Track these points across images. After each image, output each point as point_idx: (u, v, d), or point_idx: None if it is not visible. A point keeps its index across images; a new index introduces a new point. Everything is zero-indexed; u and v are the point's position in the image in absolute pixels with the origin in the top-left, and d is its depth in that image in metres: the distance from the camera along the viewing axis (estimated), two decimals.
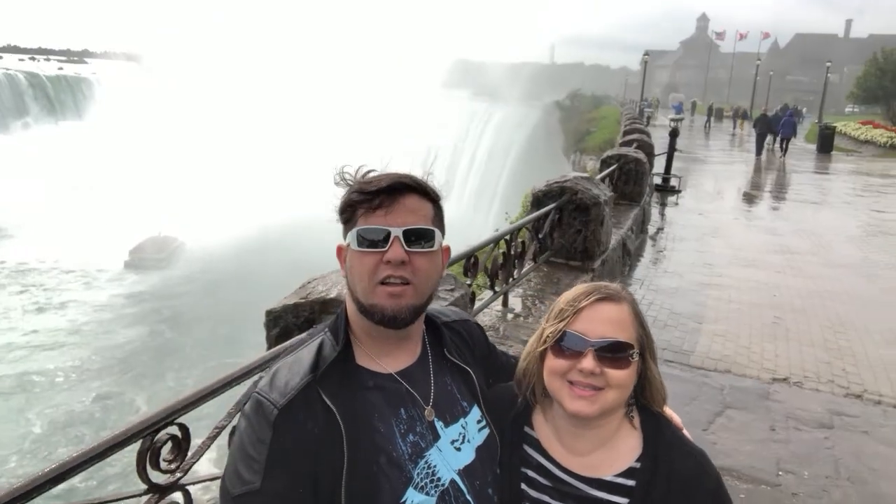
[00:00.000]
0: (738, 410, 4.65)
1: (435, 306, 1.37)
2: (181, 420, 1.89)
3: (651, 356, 1.28)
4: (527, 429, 1.36)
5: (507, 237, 4.56)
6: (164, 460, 1.86)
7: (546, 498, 1.28)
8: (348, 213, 1.24)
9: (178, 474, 1.90)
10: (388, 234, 1.17)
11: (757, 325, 6.38)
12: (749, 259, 9.09)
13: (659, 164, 14.36)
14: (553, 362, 1.26)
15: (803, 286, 7.85)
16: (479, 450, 1.27)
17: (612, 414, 1.27)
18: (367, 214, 1.20)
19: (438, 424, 1.24)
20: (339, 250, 1.28)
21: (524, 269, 5.08)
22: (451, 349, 1.33)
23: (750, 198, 15.52)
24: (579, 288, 1.30)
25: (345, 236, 1.25)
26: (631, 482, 1.25)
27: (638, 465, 1.26)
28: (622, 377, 1.23)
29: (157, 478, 1.83)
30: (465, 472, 1.23)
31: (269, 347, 2.68)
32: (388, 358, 1.25)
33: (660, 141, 16.36)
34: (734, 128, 42.04)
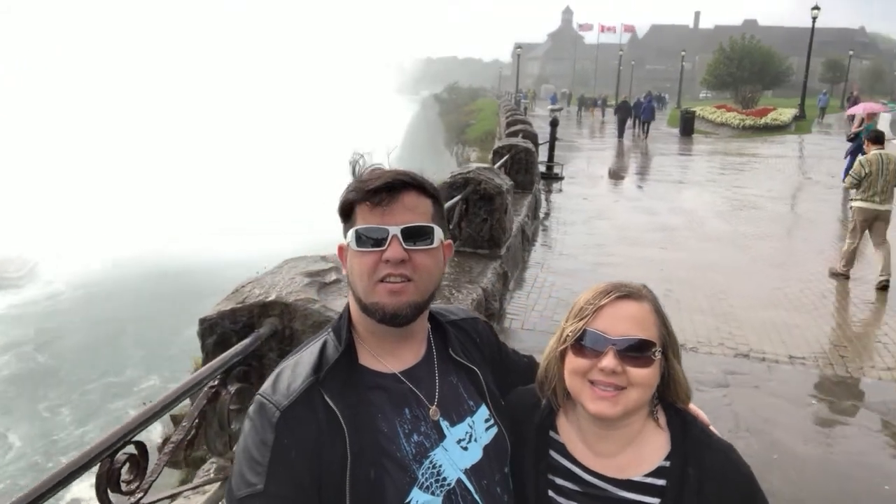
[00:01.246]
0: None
1: (443, 305, 1.37)
2: (138, 438, 1.80)
3: (674, 353, 1.26)
4: (552, 433, 1.33)
5: None
6: (123, 481, 1.76)
7: None
8: (347, 211, 1.23)
9: (139, 494, 1.80)
10: (387, 233, 1.16)
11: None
12: (634, 238, 9.70)
13: (542, 153, 14.95)
14: (574, 362, 1.23)
15: (685, 259, 8.50)
16: (486, 449, 1.26)
17: (636, 414, 1.24)
18: (365, 213, 1.19)
19: (444, 424, 1.23)
20: (340, 249, 1.28)
21: None
22: (456, 348, 1.32)
23: (627, 181, 16.52)
24: (599, 286, 1.27)
25: (345, 235, 1.24)
26: (661, 481, 1.22)
27: (667, 463, 1.23)
28: (644, 376, 1.20)
29: (120, 501, 1.74)
30: (473, 472, 1.22)
31: (206, 356, 2.58)
32: (391, 357, 1.25)
33: (540, 131, 17.04)
34: (585, 114, 44.62)
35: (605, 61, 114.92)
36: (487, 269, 5.74)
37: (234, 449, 1.22)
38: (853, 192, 7.91)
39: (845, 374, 5.25)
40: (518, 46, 61.38)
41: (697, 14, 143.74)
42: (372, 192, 1.18)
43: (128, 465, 1.77)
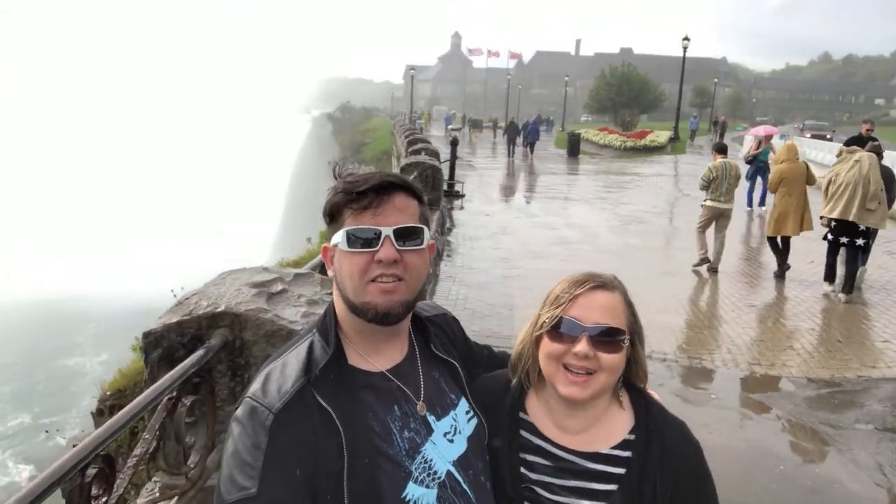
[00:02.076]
0: None
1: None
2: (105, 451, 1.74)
3: (639, 340, 1.36)
4: (522, 414, 1.40)
5: None
6: (93, 497, 1.70)
7: (546, 478, 1.33)
8: (335, 213, 1.24)
9: None
10: (379, 233, 1.18)
11: None
12: (537, 251, 10.11)
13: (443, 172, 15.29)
14: (549, 346, 1.31)
15: (584, 270, 8.95)
16: (469, 440, 1.31)
17: (603, 395, 1.34)
18: (355, 214, 1.20)
19: (431, 418, 1.26)
20: (325, 250, 1.28)
21: None
22: (436, 343, 1.36)
23: (525, 198, 17.16)
24: (574, 276, 1.35)
25: (330, 237, 1.25)
26: (626, 453, 1.32)
27: (632, 437, 1.33)
28: (614, 361, 1.29)
29: None
30: (459, 463, 1.26)
31: (151, 371, 2.51)
32: (378, 356, 1.26)
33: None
34: (477, 135, 46.07)
35: (493, 85, 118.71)
36: None
37: (221, 454, 1.21)
38: (704, 193, 9.17)
39: (737, 370, 5.75)
40: (411, 68, 62.30)
41: (578, 42, 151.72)
42: (362, 194, 1.20)
43: (97, 479, 1.71)
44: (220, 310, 2.52)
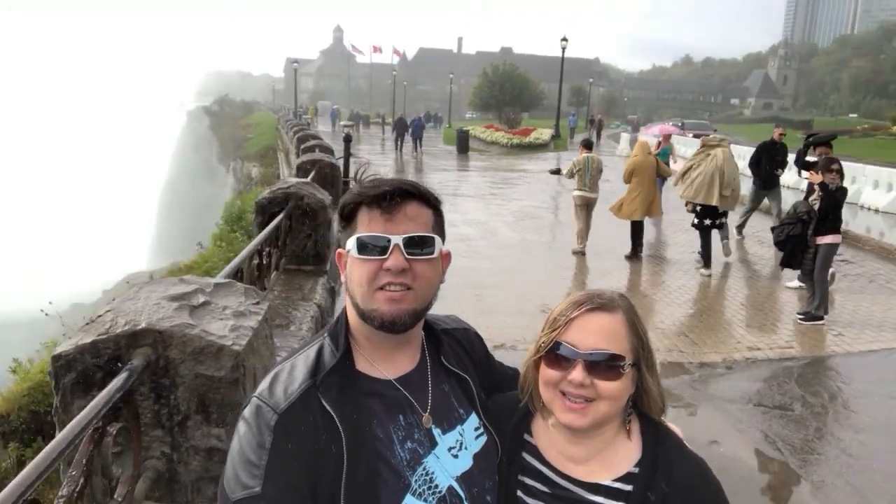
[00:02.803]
0: None
1: (434, 314, 1.35)
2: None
3: (647, 366, 1.26)
4: (526, 436, 1.35)
5: (259, 248, 4.44)
6: None
7: None
8: (349, 218, 1.23)
9: None
10: (389, 241, 1.17)
11: (467, 304, 7.23)
12: None
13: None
14: (546, 372, 1.25)
15: (488, 266, 9.11)
16: (476, 457, 1.28)
17: (608, 423, 1.26)
18: (367, 221, 1.20)
19: (436, 431, 1.24)
20: (339, 256, 1.27)
21: (271, 279, 4.98)
22: (448, 356, 1.33)
23: None
24: (574, 296, 1.27)
25: (344, 243, 1.24)
26: (629, 487, 1.24)
27: (636, 470, 1.25)
28: (613, 389, 1.21)
29: None
30: (463, 479, 1.24)
31: (63, 398, 2.26)
32: (387, 363, 1.25)
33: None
34: (364, 130, 46.07)
35: (378, 80, 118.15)
36: (317, 285, 5.64)
37: (228, 452, 1.17)
38: (573, 183, 10.23)
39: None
40: (294, 62, 60.65)
41: (460, 40, 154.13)
42: (375, 201, 1.19)
43: None
44: (140, 327, 2.30)
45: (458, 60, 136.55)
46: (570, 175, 10.16)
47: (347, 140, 15.59)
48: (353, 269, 1.21)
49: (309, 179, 8.65)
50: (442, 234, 1.27)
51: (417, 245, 1.19)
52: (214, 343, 2.33)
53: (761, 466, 4.33)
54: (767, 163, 11.09)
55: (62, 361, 2.25)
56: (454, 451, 1.25)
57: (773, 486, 4.15)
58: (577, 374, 1.19)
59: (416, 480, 1.18)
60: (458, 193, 17.59)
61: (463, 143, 30.97)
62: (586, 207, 10.06)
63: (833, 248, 6.92)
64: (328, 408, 1.14)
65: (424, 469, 1.19)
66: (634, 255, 9.91)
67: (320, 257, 6.08)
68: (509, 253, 10.11)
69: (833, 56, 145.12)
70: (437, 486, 1.19)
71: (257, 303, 2.86)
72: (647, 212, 9.80)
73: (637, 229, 9.96)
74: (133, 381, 2.19)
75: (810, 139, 9.83)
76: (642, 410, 1.30)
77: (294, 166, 12.19)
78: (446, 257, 1.29)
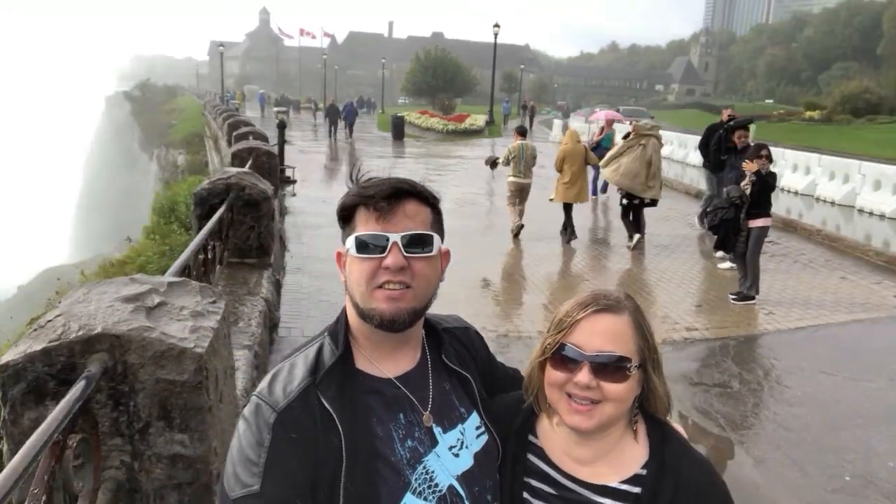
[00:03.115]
0: None
1: (435, 312, 1.35)
2: None
3: (654, 367, 1.26)
4: (531, 437, 1.34)
5: (205, 242, 4.28)
6: None
7: None
8: (347, 218, 1.24)
9: None
10: (387, 240, 1.18)
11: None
12: None
13: None
14: (551, 374, 1.24)
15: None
16: (477, 456, 1.27)
17: (614, 425, 1.26)
18: (365, 220, 1.20)
19: (437, 430, 1.24)
20: (339, 255, 1.28)
21: (216, 274, 4.82)
22: (449, 355, 1.33)
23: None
24: (580, 297, 1.27)
25: (343, 242, 1.25)
26: (636, 489, 1.23)
27: (644, 472, 1.24)
28: (619, 391, 1.20)
29: None
30: (464, 478, 1.24)
31: (13, 410, 2.13)
32: (387, 362, 1.25)
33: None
34: (294, 116, 45.26)
35: (308, 65, 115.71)
36: (262, 279, 5.50)
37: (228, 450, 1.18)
38: (508, 170, 10.65)
39: None
40: (220, 45, 58.62)
41: (391, 24, 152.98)
42: (373, 200, 1.20)
43: None
44: (96, 332, 2.18)
45: (389, 45, 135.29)
46: (507, 162, 10.51)
47: (282, 126, 15.26)
48: (353, 268, 1.22)
49: (247, 168, 8.41)
50: (441, 233, 1.28)
51: (416, 243, 1.19)
52: (176, 346, 2.24)
53: (706, 443, 4.52)
54: (716, 145, 10.70)
55: (10, 371, 2.11)
56: (455, 450, 1.25)
57: (719, 463, 4.34)
58: (583, 376, 1.19)
59: (416, 479, 1.18)
60: None
61: (398, 130, 30.81)
62: (520, 193, 10.42)
63: (765, 230, 7.26)
64: (327, 406, 1.15)
65: (425, 468, 1.19)
66: (569, 233, 10.42)
67: (264, 249, 5.92)
68: (455, 242, 9.97)
69: (750, 44, 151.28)
70: (437, 485, 1.19)
71: (214, 301, 2.75)
72: (576, 197, 10.30)
73: (568, 212, 10.41)
74: (90, 389, 2.08)
75: (729, 123, 10.23)
76: (648, 411, 1.30)
77: (225, 154, 11.80)
78: (445, 255, 1.30)
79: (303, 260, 8.45)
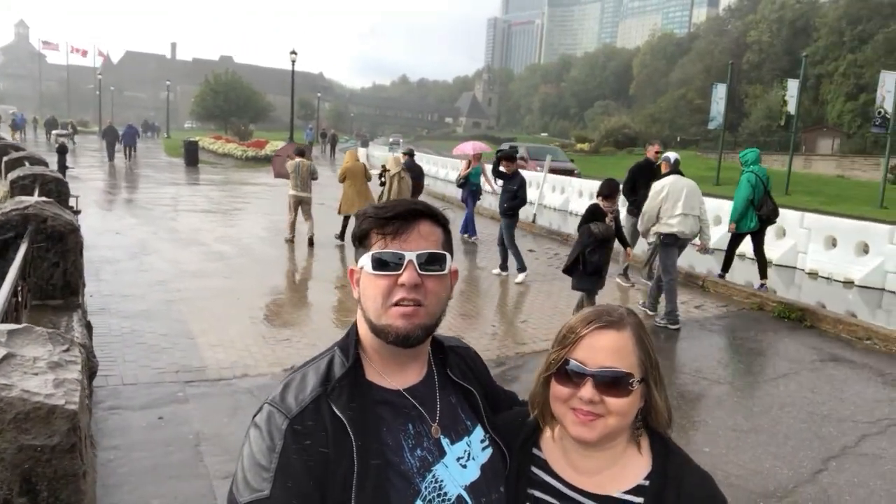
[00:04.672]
0: None
1: (436, 334, 1.36)
2: None
3: (655, 381, 1.30)
4: (534, 450, 1.37)
5: (17, 284, 3.66)
6: None
7: None
8: (363, 238, 1.28)
9: None
10: (403, 258, 1.22)
11: (241, 327, 6.79)
12: (195, 270, 9.35)
13: None
14: (556, 389, 1.28)
15: (255, 286, 8.65)
16: (483, 468, 1.31)
17: (618, 437, 1.29)
18: (382, 239, 1.25)
19: (444, 441, 1.27)
20: (352, 273, 1.32)
21: (24, 319, 4.13)
22: (454, 369, 1.38)
23: (157, 212, 15.59)
24: (583, 313, 1.30)
25: (357, 260, 1.29)
26: (639, 499, 1.26)
27: (647, 482, 1.28)
28: (622, 405, 1.24)
29: None
30: (472, 489, 1.27)
31: None
32: (396, 375, 1.29)
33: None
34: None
35: (77, 84, 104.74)
36: (73, 322, 4.82)
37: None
38: (289, 184, 12.16)
39: None
40: None
41: (174, 45, 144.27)
42: (389, 220, 1.25)
43: None
44: None
45: (172, 67, 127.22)
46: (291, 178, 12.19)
47: (62, 151, 13.62)
48: (368, 285, 1.25)
49: (38, 197, 7.38)
50: (451, 252, 1.33)
51: (430, 262, 1.25)
52: (43, 404, 1.89)
53: None
54: (644, 188, 8.96)
55: None
56: (462, 461, 1.28)
57: None
58: (587, 391, 1.22)
59: (425, 487, 1.21)
60: (199, 209, 16.42)
61: (192, 155, 29.04)
62: (299, 204, 11.99)
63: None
64: (338, 413, 1.18)
65: (434, 477, 1.23)
66: (342, 240, 11.88)
67: (72, 288, 5.20)
68: (272, 269, 9.77)
69: (525, 82, 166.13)
70: (446, 494, 1.23)
71: (67, 349, 2.39)
72: (361, 207, 11.08)
73: (346, 223, 11.91)
74: None
75: (499, 153, 10.99)
76: (650, 424, 1.34)
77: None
78: (454, 274, 1.34)
79: (105, 299, 7.55)
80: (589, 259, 6.86)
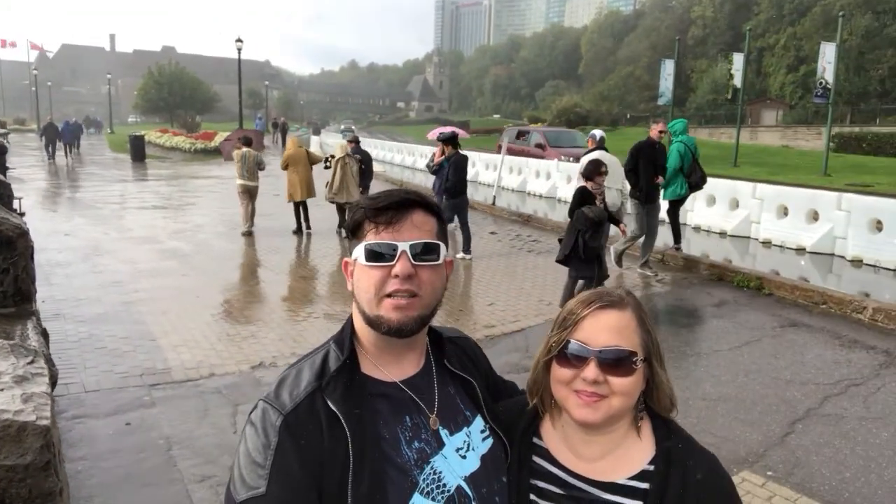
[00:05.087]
0: (246, 405, 4.90)
1: (434, 325, 1.33)
2: None
3: (658, 361, 1.28)
4: (535, 439, 1.34)
5: None
6: None
7: None
8: (357, 229, 1.26)
9: None
10: (396, 248, 1.20)
11: (204, 325, 6.64)
12: (151, 269, 9.08)
13: None
14: (558, 371, 1.25)
15: (212, 282, 8.46)
16: (484, 458, 1.29)
17: (621, 419, 1.27)
18: (375, 230, 1.23)
19: (443, 432, 1.26)
20: (346, 264, 1.29)
21: None
22: (452, 360, 1.35)
23: (106, 210, 15.07)
24: (582, 295, 1.29)
25: (351, 252, 1.27)
26: (644, 485, 1.23)
27: (651, 467, 1.25)
28: (626, 385, 1.22)
29: None
30: (472, 480, 1.25)
31: None
32: (392, 367, 1.27)
33: None
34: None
35: (11, 80, 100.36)
36: (28, 330, 4.62)
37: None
38: (235, 174, 12.40)
39: None
40: None
41: (113, 37, 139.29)
42: (382, 210, 1.23)
43: None
44: None
45: (111, 59, 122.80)
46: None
47: (2, 151, 13.01)
48: (361, 276, 1.23)
49: None
50: (446, 242, 1.30)
51: (424, 252, 1.23)
52: (13, 421, 1.80)
53: None
54: (646, 169, 8.77)
55: None
56: (462, 452, 1.27)
57: None
58: (591, 371, 1.20)
59: (423, 479, 1.19)
60: (150, 206, 15.95)
61: (138, 150, 28.20)
62: (247, 194, 12.10)
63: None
64: (333, 408, 1.16)
65: (432, 468, 1.21)
66: (299, 230, 12.04)
67: (24, 295, 4.98)
68: (230, 265, 9.56)
69: (475, 64, 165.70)
70: (445, 486, 1.21)
71: (32, 361, 2.28)
72: (306, 193, 12.05)
73: (297, 209, 12.09)
74: None
75: (439, 137, 10.91)
76: (651, 407, 1.32)
77: None
78: (450, 264, 1.32)
79: (58, 304, 7.27)
80: (589, 244, 6.82)
